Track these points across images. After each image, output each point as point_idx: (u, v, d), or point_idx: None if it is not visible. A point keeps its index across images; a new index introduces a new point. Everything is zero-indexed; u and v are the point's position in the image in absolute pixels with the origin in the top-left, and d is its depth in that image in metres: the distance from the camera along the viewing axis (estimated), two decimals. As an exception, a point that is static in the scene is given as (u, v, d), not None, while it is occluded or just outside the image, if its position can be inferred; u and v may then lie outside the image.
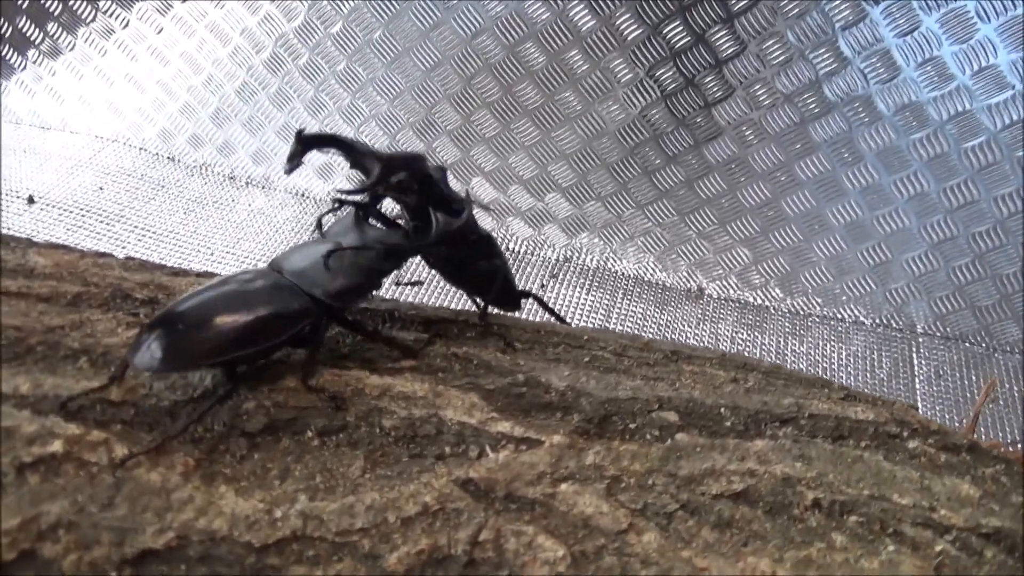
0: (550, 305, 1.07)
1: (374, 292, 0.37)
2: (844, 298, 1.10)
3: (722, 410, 0.33)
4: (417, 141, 1.13)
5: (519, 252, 1.18)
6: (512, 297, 0.49)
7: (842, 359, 1.08)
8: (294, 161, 0.39)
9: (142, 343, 0.32)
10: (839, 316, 1.11)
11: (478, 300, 0.46)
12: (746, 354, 0.37)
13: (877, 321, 1.10)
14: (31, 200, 1.18)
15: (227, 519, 0.27)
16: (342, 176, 1.21)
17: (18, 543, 0.26)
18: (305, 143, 0.38)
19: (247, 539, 0.27)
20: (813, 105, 0.94)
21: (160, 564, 0.26)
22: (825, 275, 1.08)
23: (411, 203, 0.40)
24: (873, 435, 0.32)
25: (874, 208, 1.00)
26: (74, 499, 0.27)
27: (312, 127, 1.17)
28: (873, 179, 0.98)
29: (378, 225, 0.41)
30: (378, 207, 0.41)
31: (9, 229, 1.13)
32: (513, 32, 0.99)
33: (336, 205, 0.42)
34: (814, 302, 1.11)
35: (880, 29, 0.87)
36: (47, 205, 1.18)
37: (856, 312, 1.10)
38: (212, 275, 0.44)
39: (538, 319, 0.79)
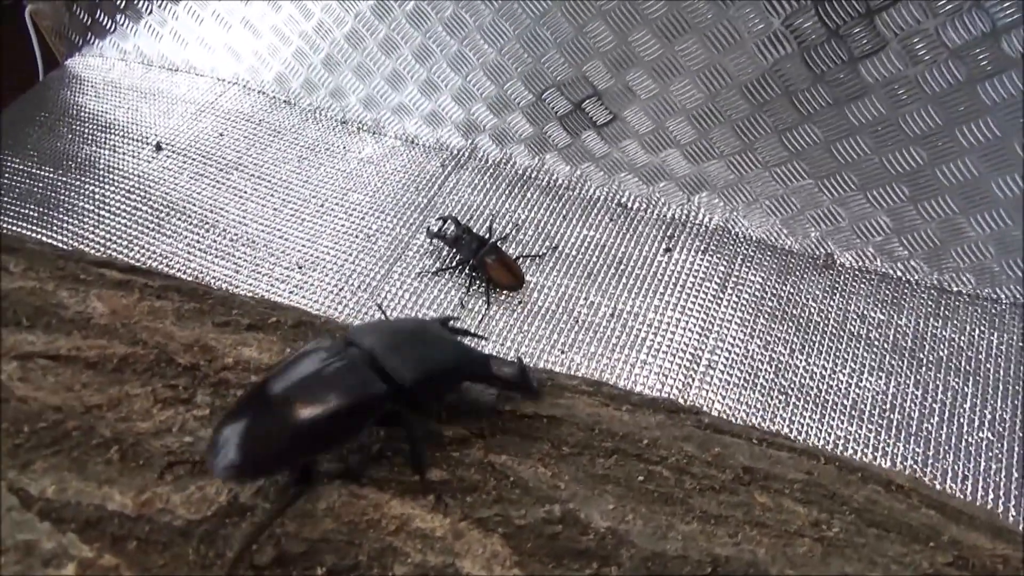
0: (661, 278, 0.99)
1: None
2: (1004, 277, 0.96)
3: (789, 584, 0.27)
4: (524, 92, 1.07)
5: (632, 208, 1.11)
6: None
7: (992, 347, 0.95)
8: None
9: (218, 450, 0.31)
10: (994, 297, 0.98)
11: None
12: (851, 458, 0.29)
13: (1042, 306, 0.96)
14: (159, 147, 1.22)
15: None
16: (451, 124, 1.17)
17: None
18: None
19: None
20: (985, 62, 0.79)
21: None
22: (982, 251, 0.95)
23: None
24: (980, 642, 0.26)
25: (1052, 182, 0.85)
26: (82, 633, 0.27)
27: (420, 75, 1.13)
28: (1054, 148, 0.83)
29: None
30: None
31: (140, 176, 1.19)
32: (630, -25, 0.89)
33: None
34: (965, 279, 0.98)
35: (1083, -29, 0.71)
36: (173, 152, 1.22)
37: (1015, 293, 0.96)
38: (265, 315, 0.42)
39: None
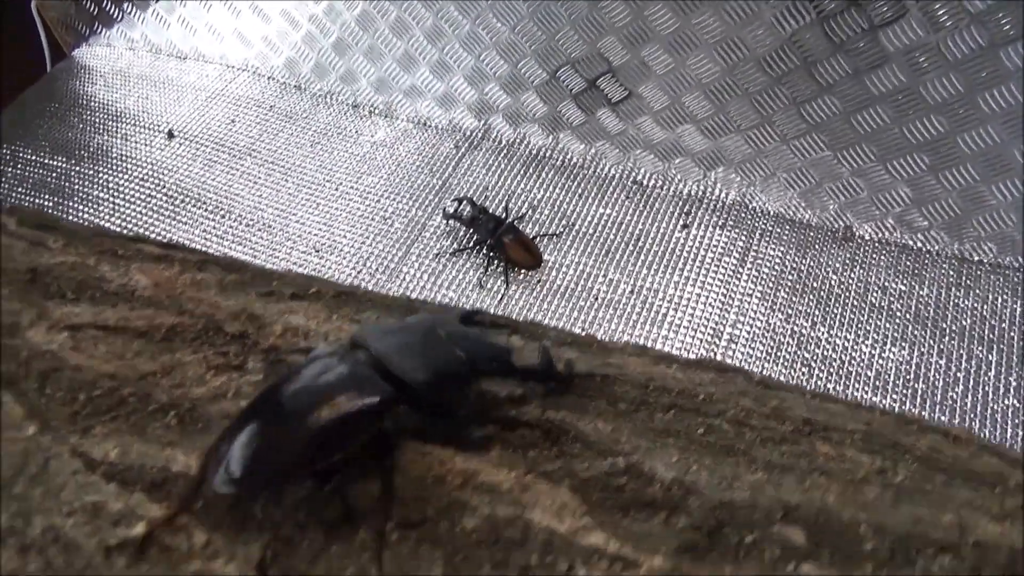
0: (680, 254, 0.99)
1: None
2: (1025, 245, 0.96)
3: (862, 528, 0.27)
4: (538, 70, 1.06)
5: (648, 185, 1.10)
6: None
7: (1015, 315, 0.95)
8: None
9: (220, 461, 0.29)
10: (1016, 265, 0.97)
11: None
12: (899, 415, 0.29)
13: (1064, 273, 0.95)
14: (171, 135, 1.22)
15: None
16: (464, 105, 1.16)
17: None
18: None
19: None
20: (1008, 26, 0.79)
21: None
22: (1003, 220, 0.94)
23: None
24: (1058, 576, 0.26)
25: (1075, 147, 0.85)
26: (155, 590, 0.27)
27: (432, 55, 1.13)
28: (1078, 113, 0.82)
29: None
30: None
31: (152, 164, 1.18)
32: (646, -52, 0.88)
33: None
34: (986, 248, 0.98)
35: (1109, -70, 0.70)
36: (184, 139, 1.22)
37: (1038, 261, 0.96)
38: (306, 285, 0.42)
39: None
